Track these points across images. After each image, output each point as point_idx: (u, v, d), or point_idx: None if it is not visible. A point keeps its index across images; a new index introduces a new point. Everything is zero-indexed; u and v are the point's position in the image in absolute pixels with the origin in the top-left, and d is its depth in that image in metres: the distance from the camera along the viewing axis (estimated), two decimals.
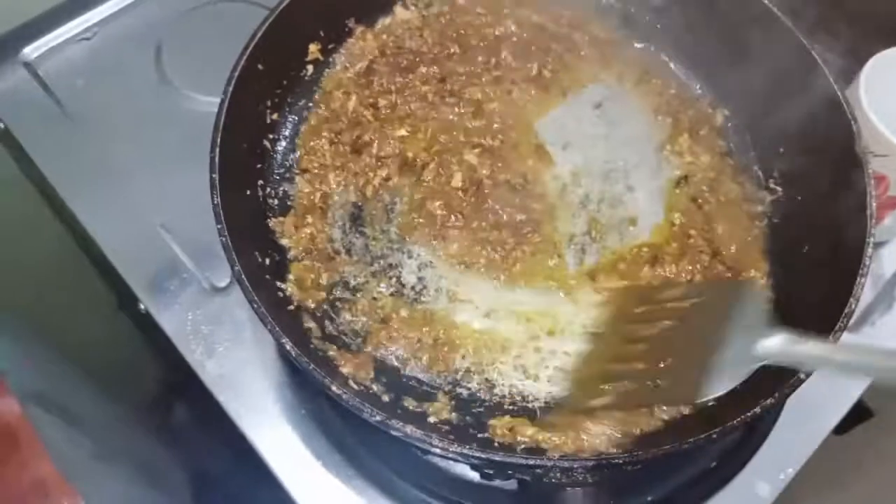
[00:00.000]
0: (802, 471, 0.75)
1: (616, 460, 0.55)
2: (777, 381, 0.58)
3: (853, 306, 0.60)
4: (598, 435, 0.60)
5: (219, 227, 0.61)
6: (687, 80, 0.85)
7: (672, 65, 0.85)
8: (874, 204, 0.65)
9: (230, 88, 0.68)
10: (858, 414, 0.82)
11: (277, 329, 0.57)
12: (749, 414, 0.56)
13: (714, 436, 0.55)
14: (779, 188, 0.77)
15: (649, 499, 0.69)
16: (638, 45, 0.86)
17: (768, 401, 0.56)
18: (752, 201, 0.77)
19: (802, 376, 0.57)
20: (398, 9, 0.85)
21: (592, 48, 0.83)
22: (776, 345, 0.54)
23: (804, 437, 0.75)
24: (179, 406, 1.08)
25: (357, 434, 0.71)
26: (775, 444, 0.74)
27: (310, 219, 0.73)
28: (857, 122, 0.70)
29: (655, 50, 0.86)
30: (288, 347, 0.56)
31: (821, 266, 0.67)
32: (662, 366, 0.58)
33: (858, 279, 0.61)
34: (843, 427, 0.80)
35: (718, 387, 0.55)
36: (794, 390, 0.57)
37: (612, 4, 0.87)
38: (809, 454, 0.75)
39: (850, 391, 0.78)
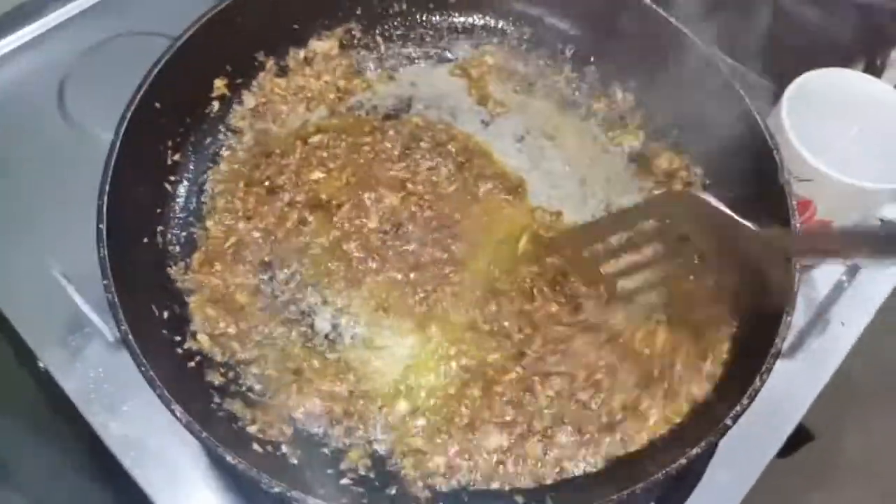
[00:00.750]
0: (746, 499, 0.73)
1: None
2: (704, 428, 0.56)
3: (779, 346, 0.58)
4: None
5: (105, 282, 0.57)
6: None
7: None
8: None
9: (121, 129, 0.64)
10: (799, 437, 0.81)
11: (167, 394, 0.53)
12: (675, 465, 0.53)
13: (637, 491, 0.52)
14: None
15: None
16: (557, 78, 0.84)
17: (694, 450, 0.54)
18: None
19: (729, 422, 0.55)
20: (313, 41, 0.81)
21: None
22: None
23: (743, 469, 0.73)
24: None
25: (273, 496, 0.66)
26: (714, 479, 0.72)
27: (217, 266, 0.69)
28: (780, 151, 0.68)
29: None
30: (178, 415, 0.52)
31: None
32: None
33: (784, 317, 0.59)
34: (785, 451, 0.79)
35: None
36: (721, 436, 0.55)
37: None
38: (747, 490, 0.73)
39: (788, 419, 0.77)
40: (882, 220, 0.77)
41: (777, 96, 0.77)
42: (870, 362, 0.98)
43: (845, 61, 0.85)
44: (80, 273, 0.75)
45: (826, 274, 0.87)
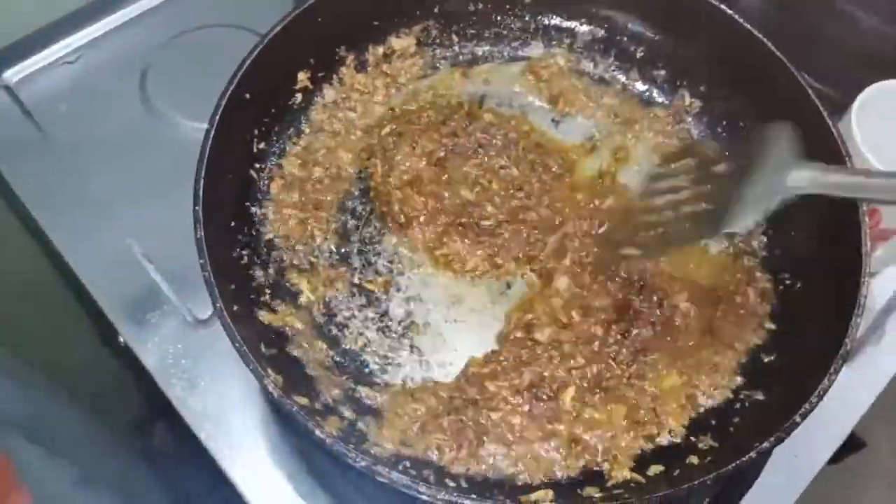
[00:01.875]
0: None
1: None
2: (772, 424, 0.57)
3: (848, 347, 0.59)
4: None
5: (201, 261, 0.60)
6: None
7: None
8: (869, 243, 0.64)
9: (216, 118, 0.66)
10: (850, 445, 0.82)
11: (259, 369, 0.55)
12: (745, 458, 0.55)
13: (708, 482, 0.53)
14: (771, 229, 0.76)
15: None
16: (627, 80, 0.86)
17: (764, 444, 0.55)
18: (744, 240, 0.76)
19: (798, 419, 0.56)
20: (392, 39, 0.83)
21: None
22: (807, 176, 0.57)
23: (795, 473, 0.74)
24: (164, 429, 1.06)
25: (345, 474, 0.69)
26: (767, 483, 0.73)
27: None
28: (851, 159, 0.69)
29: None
30: (270, 388, 0.55)
31: (815, 305, 0.66)
32: (689, 210, 0.62)
33: (854, 319, 0.60)
34: (836, 457, 0.79)
35: (745, 219, 0.58)
36: (789, 433, 0.56)
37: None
38: (800, 492, 0.74)
39: (841, 427, 0.78)
40: None
41: (839, 106, 0.78)
42: None
43: None
44: (160, 254, 0.79)
45: (883, 285, 0.87)
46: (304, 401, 0.60)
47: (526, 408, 0.63)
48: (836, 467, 0.86)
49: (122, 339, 0.77)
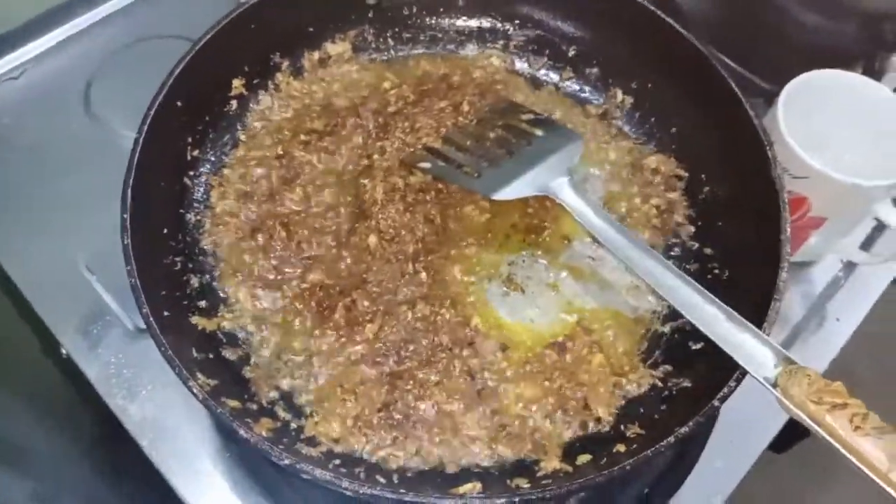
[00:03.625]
0: (741, 492, 0.75)
1: (530, 496, 0.54)
2: (697, 410, 0.58)
3: (768, 331, 0.60)
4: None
5: (128, 268, 0.60)
6: None
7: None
8: (789, 230, 0.65)
9: (145, 126, 0.67)
10: (796, 433, 0.83)
11: (185, 372, 0.56)
12: (663, 443, 0.55)
13: (628, 467, 0.54)
14: (699, 220, 0.78)
15: None
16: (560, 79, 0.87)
17: (683, 429, 0.56)
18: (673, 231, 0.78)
19: (716, 403, 0.57)
20: (327, 44, 0.84)
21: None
22: (559, 186, 0.68)
23: (733, 460, 0.75)
24: (127, 442, 1.06)
25: (290, 482, 0.70)
26: (706, 469, 0.74)
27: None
28: (772, 147, 0.70)
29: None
30: (195, 391, 0.55)
31: (742, 293, 0.67)
32: (486, 165, 0.73)
33: (773, 304, 0.61)
34: (783, 446, 0.80)
35: (510, 194, 0.69)
36: (706, 416, 0.57)
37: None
38: (739, 479, 0.75)
39: (781, 413, 0.78)
40: (877, 220, 0.79)
41: (775, 98, 0.80)
42: (867, 359, 0.99)
43: (844, 64, 0.87)
44: (102, 265, 0.80)
45: (823, 270, 0.89)
46: (234, 403, 0.60)
47: (457, 396, 0.64)
48: (783, 455, 0.87)
49: (64, 351, 0.77)
